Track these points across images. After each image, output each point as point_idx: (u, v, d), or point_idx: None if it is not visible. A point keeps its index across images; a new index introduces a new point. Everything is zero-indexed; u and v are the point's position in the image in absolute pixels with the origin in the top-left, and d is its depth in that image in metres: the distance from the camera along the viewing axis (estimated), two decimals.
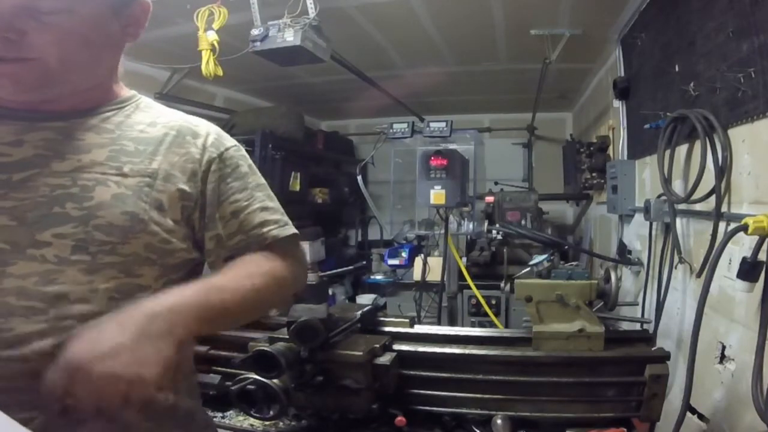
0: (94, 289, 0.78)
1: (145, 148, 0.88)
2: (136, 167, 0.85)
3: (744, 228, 1.31)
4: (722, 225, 1.63)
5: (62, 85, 0.84)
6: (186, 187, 0.89)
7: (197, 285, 0.82)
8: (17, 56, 0.76)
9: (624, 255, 2.74)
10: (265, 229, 0.95)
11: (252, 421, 1.38)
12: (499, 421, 1.25)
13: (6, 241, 0.75)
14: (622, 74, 2.88)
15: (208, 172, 0.93)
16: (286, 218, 1.00)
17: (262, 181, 1.01)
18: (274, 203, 1.00)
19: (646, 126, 2.29)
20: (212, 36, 2.29)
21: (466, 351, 1.33)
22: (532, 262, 1.50)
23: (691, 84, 1.86)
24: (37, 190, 0.78)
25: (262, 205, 0.97)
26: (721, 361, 1.59)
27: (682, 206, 1.96)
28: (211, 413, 1.44)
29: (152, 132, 0.91)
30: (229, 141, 0.99)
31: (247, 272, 0.88)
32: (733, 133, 1.60)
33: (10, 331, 0.72)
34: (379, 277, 4.13)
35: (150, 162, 0.87)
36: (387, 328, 1.44)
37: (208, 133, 0.96)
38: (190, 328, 0.75)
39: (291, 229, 0.99)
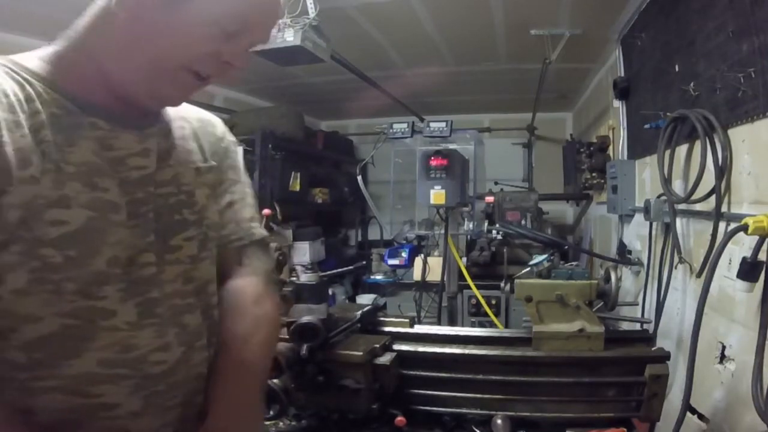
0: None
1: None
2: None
3: (744, 228, 1.31)
4: (722, 225, 1.63)
5: None
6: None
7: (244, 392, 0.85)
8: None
9: (624, 255, 2.74)
10: (254, 225, 0.98)
11: None
12: (499, 421, 1.25)
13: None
14: (622, 74, 2.88)
15: (225, 158, 0.96)
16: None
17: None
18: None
19: (646, 126, 2.29)
20: None
21: (466, 351, 1.33)
22: (532, 262, 1.49)
23: (691, 84, 1.86)
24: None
25: (252, 201, 1.01)
26: (721, 361, 1.59)
27: (682, 206, 1.96)
28: None
29: (187, 126, 0.91)
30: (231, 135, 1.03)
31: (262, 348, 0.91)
32: (733, 133, 1.60)
33: None
34: (379, 277, 4.12)
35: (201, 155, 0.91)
36: (387, 328, 1.44)
37: (220, 122, 1.00)
38: None
39: (265, 233, 1.03)
